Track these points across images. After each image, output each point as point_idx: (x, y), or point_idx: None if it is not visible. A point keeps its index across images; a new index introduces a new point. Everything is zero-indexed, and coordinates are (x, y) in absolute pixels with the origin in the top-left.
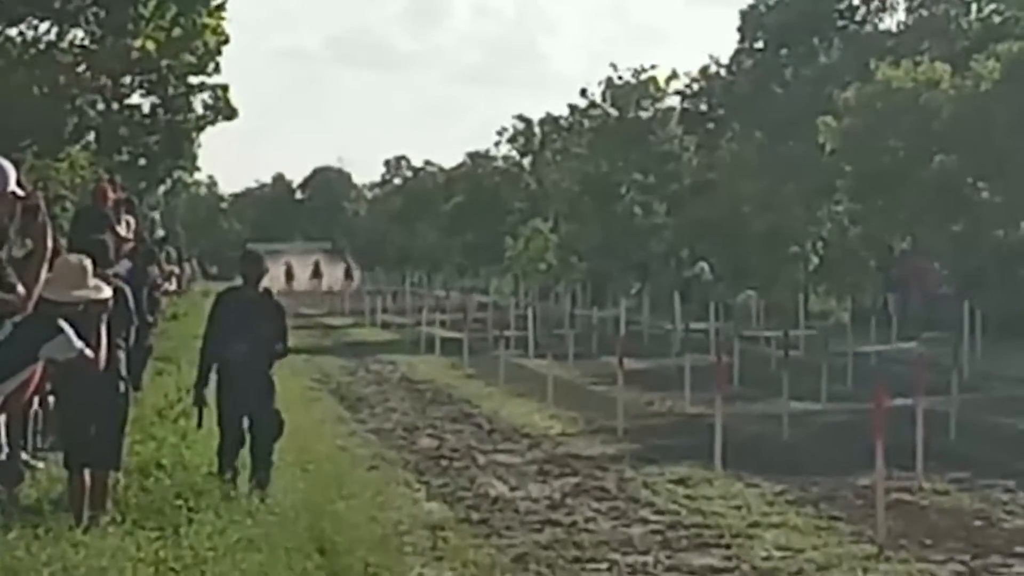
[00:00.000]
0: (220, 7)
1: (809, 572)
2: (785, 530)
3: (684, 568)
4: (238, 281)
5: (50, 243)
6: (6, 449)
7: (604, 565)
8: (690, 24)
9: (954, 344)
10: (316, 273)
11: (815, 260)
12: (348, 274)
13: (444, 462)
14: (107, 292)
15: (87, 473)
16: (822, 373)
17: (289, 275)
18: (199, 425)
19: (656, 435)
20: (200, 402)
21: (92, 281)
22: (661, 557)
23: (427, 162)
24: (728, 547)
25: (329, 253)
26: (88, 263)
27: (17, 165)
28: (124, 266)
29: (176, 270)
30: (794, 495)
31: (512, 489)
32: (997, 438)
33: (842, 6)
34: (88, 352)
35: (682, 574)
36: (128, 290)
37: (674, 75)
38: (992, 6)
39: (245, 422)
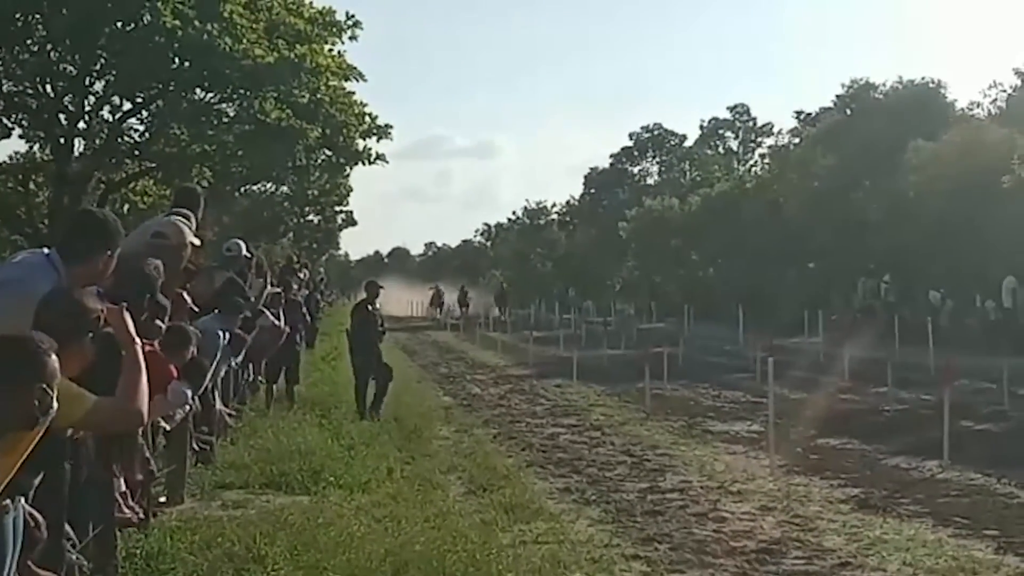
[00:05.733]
0: (348, 176)
1: (615, 424)
2: (605, 408)
3: (559, 424)
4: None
5: (268, 284)
6: (219, 405)
7: (524, 423)
8: (564, 183)
9: None
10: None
11: (617, 286)
12: (464, 300)
13: (451, 378)
14: (276, 290)
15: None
16: (622, 337)
17: (437, 299)
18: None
19: (547, 365)
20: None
21: (273, 291)
22: (548, 419)
23: (444, 244)
24: (579, 415)
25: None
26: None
27: (252, 247)
28: (303, 294)
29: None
30: (610, 391)
31: (482, 390)
32: None
33: (632, 172)
34: (278, 324)
35: (558, 427)
36: (304, 304)
37: (555, 204)
38: (696, 171)
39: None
